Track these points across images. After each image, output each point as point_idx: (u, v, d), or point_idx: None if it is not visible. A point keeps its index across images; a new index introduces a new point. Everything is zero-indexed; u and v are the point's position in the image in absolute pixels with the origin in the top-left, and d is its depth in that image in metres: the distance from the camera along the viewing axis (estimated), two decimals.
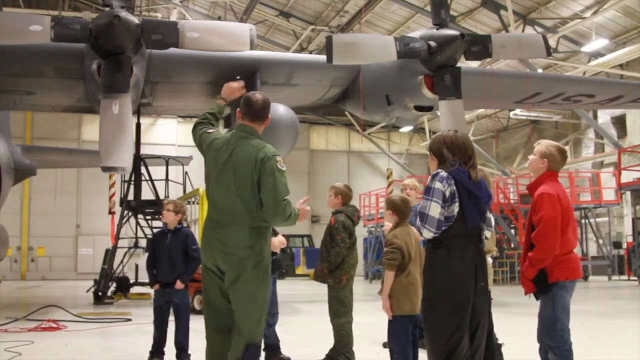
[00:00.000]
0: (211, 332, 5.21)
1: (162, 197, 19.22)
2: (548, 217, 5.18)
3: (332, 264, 7.08)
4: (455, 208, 4.48)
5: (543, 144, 5.54)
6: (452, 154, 4.62)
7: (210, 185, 5.22)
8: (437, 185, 4.47)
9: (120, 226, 18.89)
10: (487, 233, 4.68)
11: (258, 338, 5.08)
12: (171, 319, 7.70)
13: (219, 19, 32.42)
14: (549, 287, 5.26)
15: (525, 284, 5.36)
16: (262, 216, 5.07)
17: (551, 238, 5.17)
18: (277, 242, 7.51)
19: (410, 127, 42.45)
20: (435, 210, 4.42)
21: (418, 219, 4.51)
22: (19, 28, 10.07)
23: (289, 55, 25.31)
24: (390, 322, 6.14)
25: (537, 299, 5.38)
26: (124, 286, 18.81)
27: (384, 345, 8.37)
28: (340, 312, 7.13)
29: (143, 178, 18.98)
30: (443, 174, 4.52)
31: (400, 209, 6.26)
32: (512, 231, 27.61)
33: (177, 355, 7.48)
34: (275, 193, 4.98)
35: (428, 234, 4.47)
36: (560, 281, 5.26)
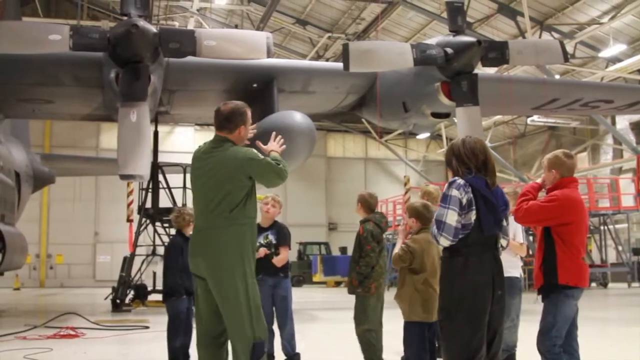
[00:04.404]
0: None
1: (179, 205, 19.25)
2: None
3: (361, 275, 6.93)
4: (472, 216, 4.45)
5: (547, 157, 5.63)
6: (461, 163, 4.59)
7: None
8: (454, 192, 4.45)
9: (138, 234, 18.94)
10: (503, 241, 4.64)
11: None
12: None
13: (236, 27, 32.53)
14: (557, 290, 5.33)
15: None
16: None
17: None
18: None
19: (427, 134, 42.37)
20: (452, 217, 4.40)
21: (435, 227, 4.48)
22: (39, 37, 10.19)
23: (306, 63, 25.36)
24: (404, 328, 6.12)
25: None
26: (142, 294, 18.83)
27: None
28: (361, 320, 7.00)
29: (161, 186, 19.03)
30: (460, 181, 4.50)
31: (422, 215, 6.25)
32: (531, 238, 27.45)
33: None
34: None
35: (445, 242, 4.44)
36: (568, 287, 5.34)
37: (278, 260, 7.54)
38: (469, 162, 4.58)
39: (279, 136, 5.54)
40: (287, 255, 7.67)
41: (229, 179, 5.06)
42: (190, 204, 18.29)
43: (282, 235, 7.65)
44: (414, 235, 6.26)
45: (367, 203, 7.25)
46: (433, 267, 6.06)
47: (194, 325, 5.49)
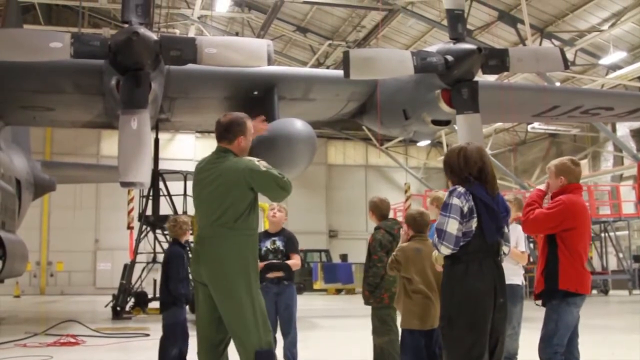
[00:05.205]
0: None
1: (180, 212, 19.27)
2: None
3: (371, 285, 6.86)
4: (474, 223, 4.44)
5: (554, 163, 5.64)
6: (456, 175, 4.60)
7: None
8: (455, 201, 4.44)
9: (138, 241, 18.92)
10: (505, 249, 4.62)
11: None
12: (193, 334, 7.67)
13: (237, 34, 32.57)
14: (558, 296, 5.33)
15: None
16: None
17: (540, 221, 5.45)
18: None
19: (427, 141, 42.36)
20: (452, 226, 4.38)
21: (436, 236, 4.47)
22: (40, 45, 10.20)
23: (307, 70, 25.37)
24: (401, 336, 6.11)
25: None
26: (142, 301, 18.82)
27: None
28: (381, 330, 6.90)
29: (161, 193, 19.03)
30: (460, 189, 4.49)
31: (415, 222, 6.22)
32: (532, 245, 27.42)
33: None
34: None
35: (446, 251, 4.43)
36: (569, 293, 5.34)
37: (293, 265, 7.57)
38: (462, 173, 4.58)
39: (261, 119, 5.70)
40: (299, 262, 7.69)
41: (231, 188, 5.12)
42: (190, 211, 18.35)
43: (291, 244, 7.66)
44: (402, 243, 6.24)
45: (379, 209, 7.19)
46: (423, 275, 5.99)
47: (192, 333, 5.49)
